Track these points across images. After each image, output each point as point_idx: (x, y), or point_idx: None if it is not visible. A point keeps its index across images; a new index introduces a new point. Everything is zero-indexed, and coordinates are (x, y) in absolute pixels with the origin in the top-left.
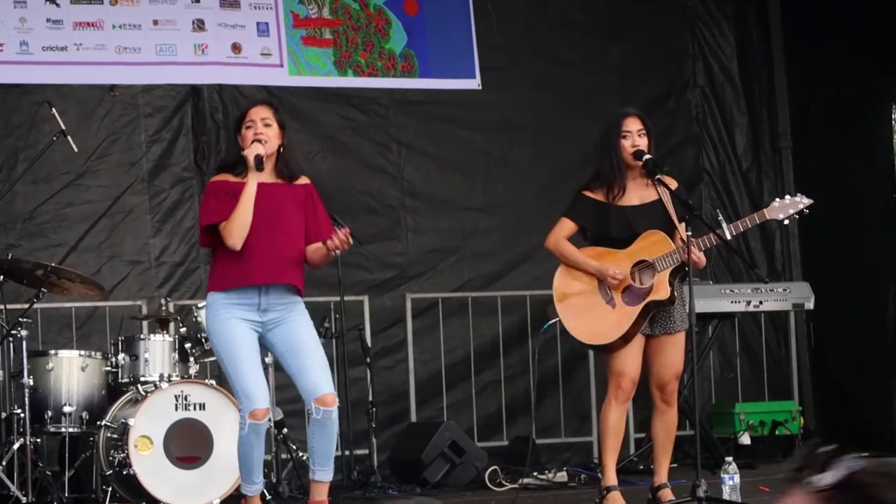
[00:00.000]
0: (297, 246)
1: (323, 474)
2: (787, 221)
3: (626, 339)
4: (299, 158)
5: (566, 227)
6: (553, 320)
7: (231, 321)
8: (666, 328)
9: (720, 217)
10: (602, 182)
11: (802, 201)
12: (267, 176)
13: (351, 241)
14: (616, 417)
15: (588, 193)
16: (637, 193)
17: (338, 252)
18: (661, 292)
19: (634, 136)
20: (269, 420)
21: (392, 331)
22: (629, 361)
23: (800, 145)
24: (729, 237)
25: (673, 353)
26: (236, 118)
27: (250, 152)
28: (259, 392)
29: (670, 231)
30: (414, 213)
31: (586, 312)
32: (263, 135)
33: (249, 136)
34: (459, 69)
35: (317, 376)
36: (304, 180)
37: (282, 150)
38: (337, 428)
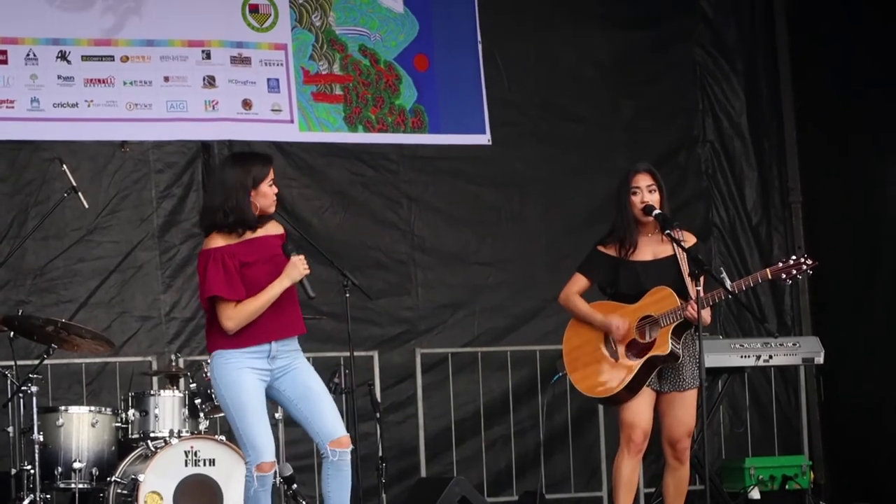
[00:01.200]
0: (295, 293)
1: None
2: (789, 281)
3: (631, 391)
4: None
5: (579, 282)
6: (562, 373)
7: (241, 372)
8: (675, 385)
9: (723, 274)
10: (615, 238)
11: (806, 263)
12: (261, 230)
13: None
14: (629, 470)
15: (602, 249)
16: (651, 249)
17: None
18: (662, 347)
19: (644, 192)
20: (276, 474)
21: (402, 386)
22: (639, 413)
23: (809, 200)
24: (731, 294)
25: (684, 410)
26: (256, 173)
27: (299, 266)
28: (266, 444)
29: (681, 287)
30: (424, 268)
31: (590, 365)
32: (276, 190)
33: (271, 193)
34: (469, 124)
35: (331, 419)
36: (277, 227)
37: None
38: (350, 473)
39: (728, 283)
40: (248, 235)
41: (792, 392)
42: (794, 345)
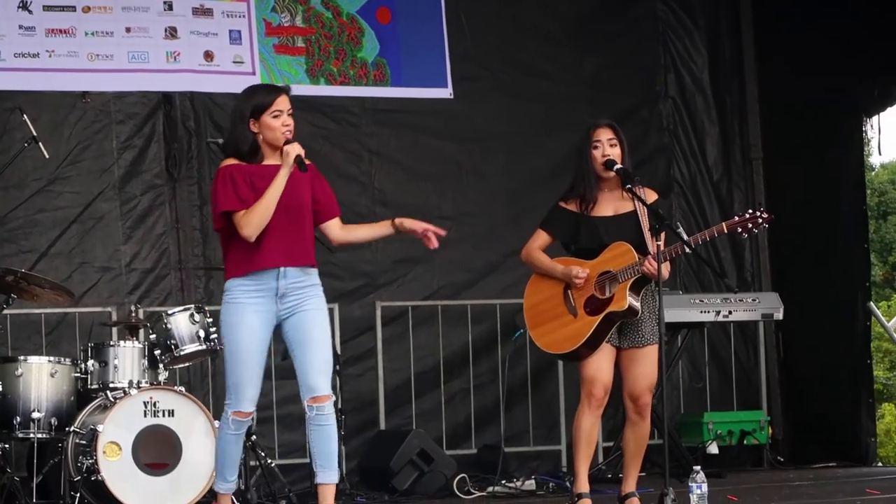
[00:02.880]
0: (310, 226)
1: (325, 475)
2: (745, 235)
3: (590, 347)
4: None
5: (540, 238)
6: (522, 329)
7: (244, 314)
8: (635, 341)
9: (680, 228)
10: (576, 193)
11: (762, 216)
12: (276, 159)
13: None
14: (589, 424)
15: (563, 205)
16: (612, 204)
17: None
18: (619, 303)
19: (605, 145)
20: (252, 421)
21: (362, 339)
22: (599, 368)
23: (770, 156)
24: (689, 249)
25: (644, 365)
26: (255, 104)
27: (292, 150)
28: (247, 394)
29: (641, 243)
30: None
31: (550, 321)
32: (290, 126)
33: (278, 125)
34: (432, 78)
35: (314, 374)
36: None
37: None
38: (334, 427)
39: (686, 237)
40: (269, 161)
41: (751, 348)
42: (753, 301)
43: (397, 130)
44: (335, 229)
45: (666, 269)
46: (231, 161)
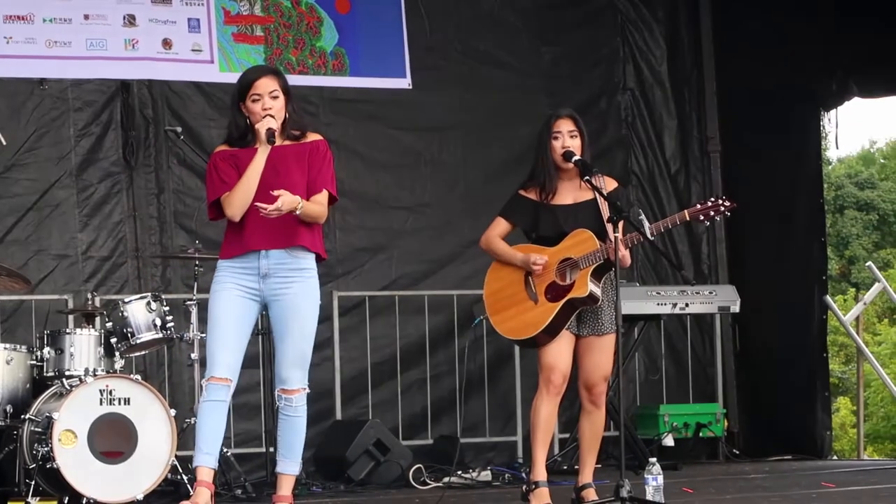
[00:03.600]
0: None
1: (286, 465)
2: (708, 223)
3: (550, 333)
4: (304, 119)
5: (500, 225)
6: (481, 317)
7: (224, 286)
8: (594, 329)
9: (641, 216)
10: (535, 182)
11: (724, 204)
12: (277, 140)
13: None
14: (547, 412)
15: (523, 193)
16: (572, 193)
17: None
18: (580, 290)
19: (565, 136)
20: (228, 391)
21: (319, 328)
22: (558, 355)
23: (728, 149)
24: (650, 236)
25: (601, 354)
26: (239, 88)
27: (262, 126)
28: (219, 361)
29: (601, 231)
30: (342, 211)
31: (510, 308)
32: (272, 109)
33: (258, 109)
34: (390, 68)
35: (287, 365)
36: (313, 137)
37: (288, 116)
38: (302, 420)
39: (647, 226)
40: (257, 145)
41: (707, 340)
42: (710, 293)
43: (356, 120)
44: None
45: (628, 255)
46: (220, 148)
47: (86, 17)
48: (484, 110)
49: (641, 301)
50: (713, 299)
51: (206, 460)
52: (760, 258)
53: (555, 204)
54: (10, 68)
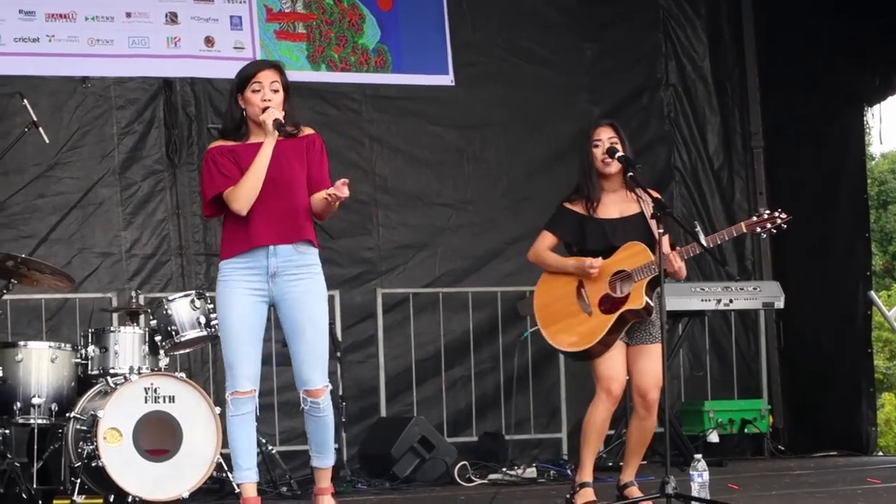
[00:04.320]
0: (303, 200)
1: (319, 461)
2: (764, 236)
3: (605, 345)
4: (300, 116)
5: (546, 239)
6: (534, 328)
7: (234, 291)
8: (644, 339)
9: (697, 228)
10: (580, 194)
11: (780, 217)
12: (261, 136)
13: (346, 192)
14: (603, 418)
15: (569, 206)
16: (617, 206)
17: (336, 203)
18: (637, 301)
19: (605, 144)
20: (254, 400)
21: (362, 326)
22: (614, 366)
23: (771, 144)
24: (706, 246)
25: (652, 361)
26: (240, 79)
27: (268, 116)
28: (242, 373)
29: (651, 244)
30: (385, 208)
31: (564, 320)
32: (271, 101)
33: (257, 99)
34: (432, 65)
35: (308, 366)
36: (308, 131)
37: (286, 113)
38: (329, 416)
39: (703, 237)
40: (256, 139)
41: (752, 336)
42: (754, 289)
43: (398, 117)
44: (312, 202)
45: (683, 269)
46: (216, 144)
47: (128, 15)
48: (526, 107)
49: (686, 297)
50: (757, 295)
51: (249, 476)
52: (804, 254)
53: (601, 217)
54: (52, 66)
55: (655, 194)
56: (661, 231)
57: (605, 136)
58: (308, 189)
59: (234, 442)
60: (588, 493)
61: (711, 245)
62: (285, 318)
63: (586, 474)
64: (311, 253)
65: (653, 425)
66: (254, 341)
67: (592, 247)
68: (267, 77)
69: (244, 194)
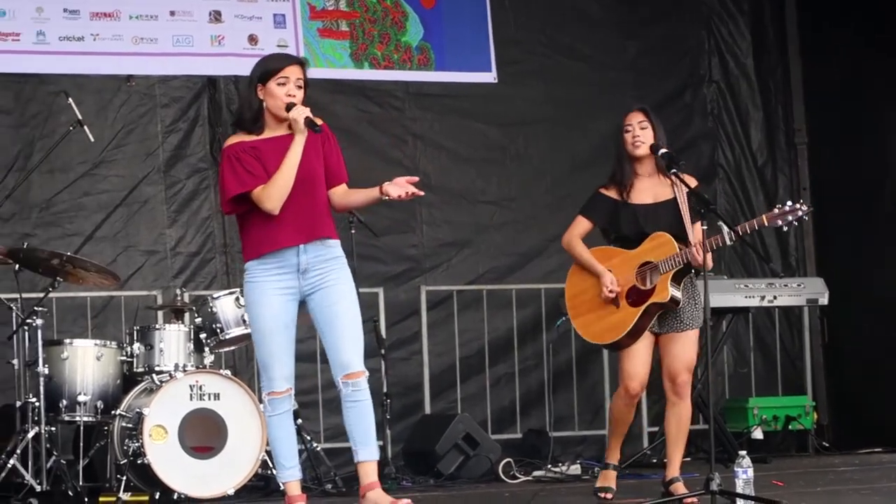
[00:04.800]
0: (324, 195)
1: (365, 453)
2: (786, 228)
3: (632, 336)
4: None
5: (581, 225)
6: (565, 317)
7: (264, 292)
8: (674, 327)
9: (720, 222)
10: (615, 179)
11: (801, 208)
12: (281, 129)
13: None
14: (624, 410)
15: (604, 191)
16: (651, 191)
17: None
18: (661, 294)
19: (636, 128)
20: (291, 399)
21: (406, 323)
22: (638, 363)
23: (815, 141)
24: (729, 241)
25: (684, 347)
26: (263, 70)
27: (299, 114)
28: (278, 373)
29: (682, 231)
30: (429, 205)
31: (592, 311)
32: (295, 97)
33: (281, 94)
34: (475, 62)
35: (347, 351)
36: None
37: None
38: (369, 403)
39: (726, 230)
40: (271, 133)
41: (796, 333)
42: (798, 286)
43: (441, 115)
44: (338, 194)
45: (710, 258)
46: (233, 140)
47: (172, 13)
48: (569, 104)
49: (729, 294)
50: (801, 292)
51: (293, 474)
52: (848, 250)
53: (634, 203)
54: (96, 65)
55: (693, 182)
56: (706, 228)
57: (636, 121)
58: (326, 182)
59: (275, 442)
60: (608, 476)
61: (735, 237)
62: (319, 309)
63: (612, 456)
64: (336, 245)
65: (687, 411)
66: (287, 341)
67: (625, 232)
68: (293, 73)
69: (277, 193)
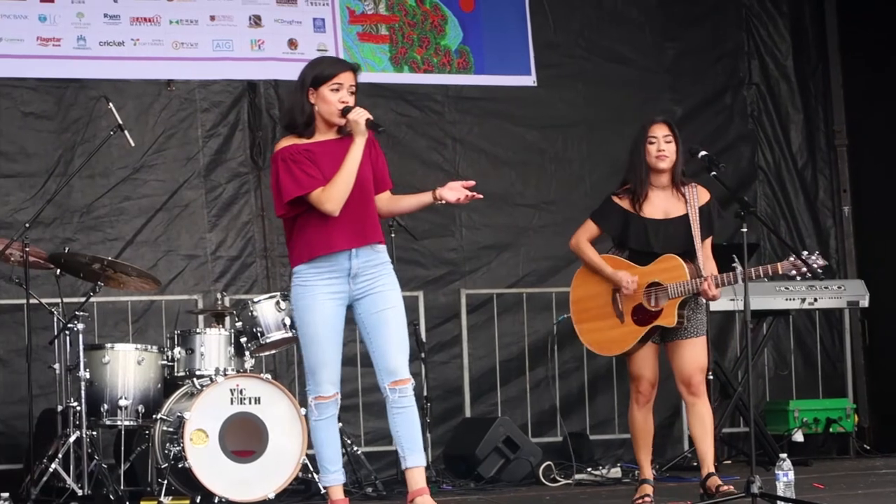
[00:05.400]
0: (374, 200)
1: (413, 459)
2: (798, 279)
3: (634, 349)
4: None
5: (590, 229)
6: (567, 315)
7: (315, 297)
8: (679, 336)
9: (734, 263)
10: (628, 189)
11: (818, 262)
12: (331, 134)
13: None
14: (641, 419)
15: (616, 200)
16: (663, 206)
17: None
18: (668, 319)
19: (661, 141)
20: (337, 403)
21: (447, 326)
22: (644, 365)
23: (855, 142)
24: (739, 282)
25: (693, 351)
26: (317, 75)
27: (360, 116)
28: (326, 378)
29: (691, 249)
30: (468, 209)
31: (596, 320)
32: (348, 103)
33: (335, 99)
34: (515, 66)
35: (393, 357)
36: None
37: None
38: (416, 409)
39: (739, 269)
40: (321, 137)
41: (836, 335)
42: (839, 288)
43: (480, 118)
44: (383, 201)
45: (718, 295)
46: (285, 142)
47: (212, 18)
48: (608, 107)
49: (770, 296)
50: (842, 294)
51: (337, 478)
52: (889, 251)
53: (646, 217)
54: (137, 70)
55: (706, 196)
56: (745, 230)
57: (661, 134)
58: (374, 187)
59: (320, 446)
60: (645, 489)
61: (751, 278)
62: (367, 314)
63: (645, 473)
64: (383, 250)
65: (707, 408)
66: (337, 346)
67: (633, 246)
68: (347, 79)
69: (338, 195)
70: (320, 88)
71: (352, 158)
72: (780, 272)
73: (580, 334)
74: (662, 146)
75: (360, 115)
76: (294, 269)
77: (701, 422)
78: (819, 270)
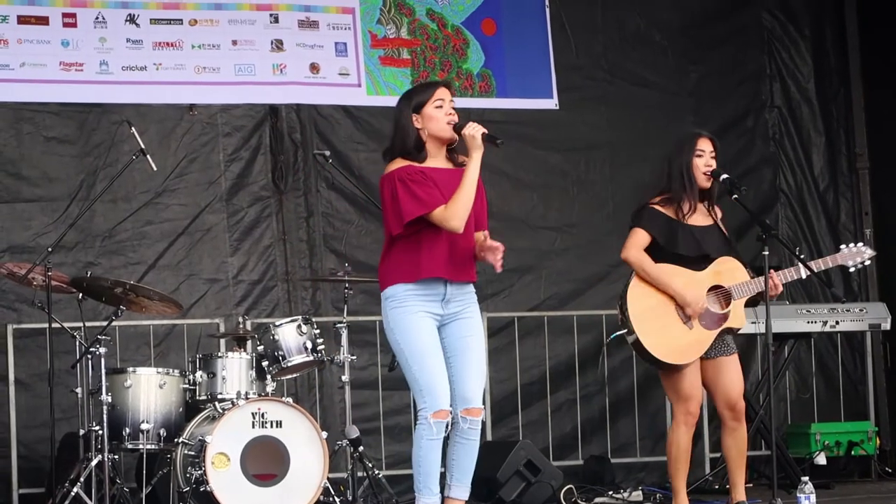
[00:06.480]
0: (473, 234)
1: (459, 491)
2: (853, 269)
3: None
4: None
5: (641, 238)
6: (620, 332)
7: (418, 315)
8: (722, 351)
9: (801, 255)
10: (672, 200)
11: (868, 251)
12: (442, 161)
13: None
14: (686, 442)
15: (658, 208)
16: (702, 215)
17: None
18: (738, 321)
19: (707, 156)
20: (448, 425)
21: None
22: (694, 385)
23: (877, 165)
24: (804, 276)
25: (733, 372)
26: (418, 97)
27: (475, 130)
28: (443, 391)
29: (731, 253)
30: (491, 232)
31: (664, 330)
32: (454, 115)
33: (441, 115)
34: (537, 89)
35: (472, 385)
36: (464, 158)
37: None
38: (478, 443)
39: (803, 271)
40: (434, 163)
41: (858, 358)
42: (860, 310)
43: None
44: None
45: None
46: (399, 164)
47: (234, 42)
48: (630, 129)
49: (791, 319)
50: (864, 317)
51: (437, 502)
52: None
53: (691, 224)
54: (159, 94)
55: (719, 211)
56: (766, 253)
57: (708, 149)
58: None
59: (429, 465)
60: None
61: (815, 270)
62: (455, 337)
63: (679, 499)
64: (473, 291)
65: (744, 434)
66: (442, 362)
67: (685, 252)
68: (446, 94)
69: (462, 211)
70: (423, 109)
71: (471, 173)
72: (839, 263)
73: (650, 349)
74: (710, 161)
75: (475, 130)
76: (388, 291)
77: (738, 446)
78: (867, 260)
